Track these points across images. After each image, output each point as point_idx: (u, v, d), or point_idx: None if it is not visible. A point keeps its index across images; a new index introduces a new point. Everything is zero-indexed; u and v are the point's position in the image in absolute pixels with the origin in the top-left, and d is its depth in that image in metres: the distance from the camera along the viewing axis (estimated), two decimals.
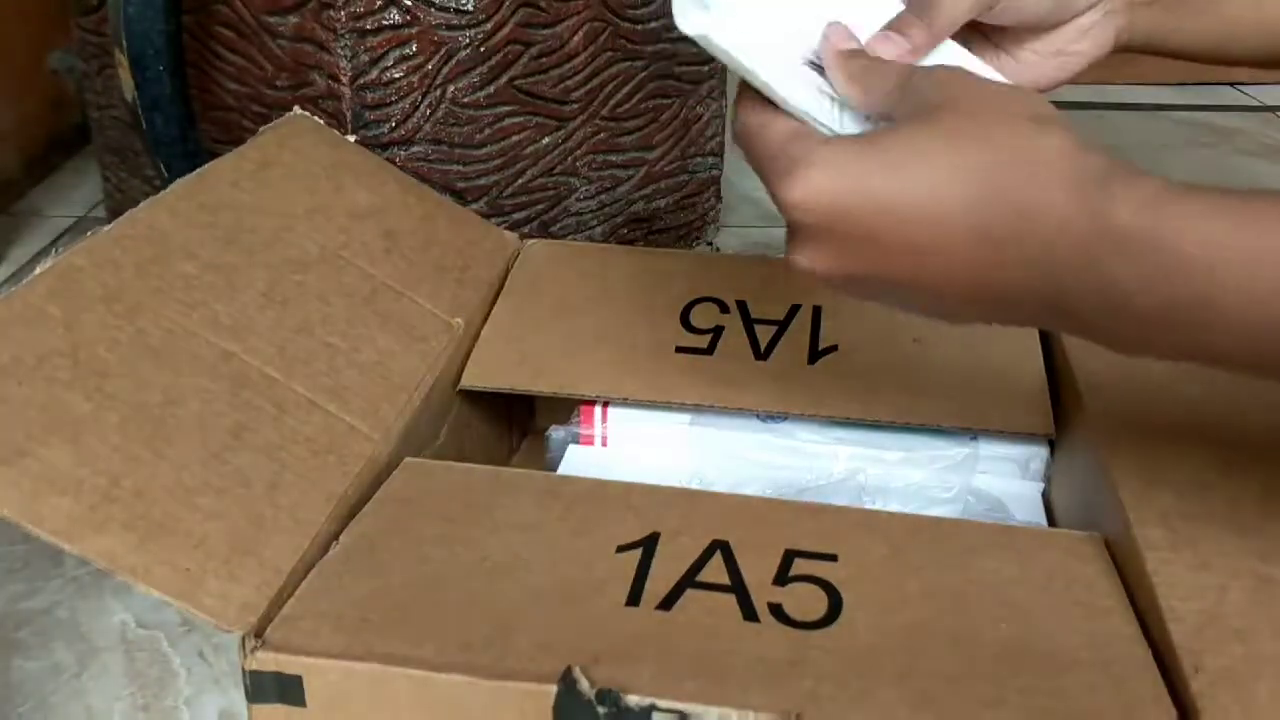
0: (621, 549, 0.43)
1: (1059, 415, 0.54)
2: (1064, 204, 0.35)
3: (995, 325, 0.39)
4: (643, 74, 0.86)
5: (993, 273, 0.36)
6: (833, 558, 0.43)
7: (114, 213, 0.49)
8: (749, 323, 0.60)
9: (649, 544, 0.43)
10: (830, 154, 0.38)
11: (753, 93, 0.42)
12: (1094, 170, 0.35)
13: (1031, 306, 0.37)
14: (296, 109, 0.62)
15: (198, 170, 0.55)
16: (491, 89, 0.77)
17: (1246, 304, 0.32)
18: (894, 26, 0.45)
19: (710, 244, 0.99)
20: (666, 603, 0.40)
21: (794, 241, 0.40)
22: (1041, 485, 0.56)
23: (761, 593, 0.41)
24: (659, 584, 0.41)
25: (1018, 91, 0.39)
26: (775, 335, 0.59)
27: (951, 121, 0.37)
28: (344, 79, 0.72)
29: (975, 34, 0.49)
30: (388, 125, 0.75)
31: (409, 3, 0.72)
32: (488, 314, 0.61)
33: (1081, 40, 0.51)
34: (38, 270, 0.45)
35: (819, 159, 0.38)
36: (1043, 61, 0.51)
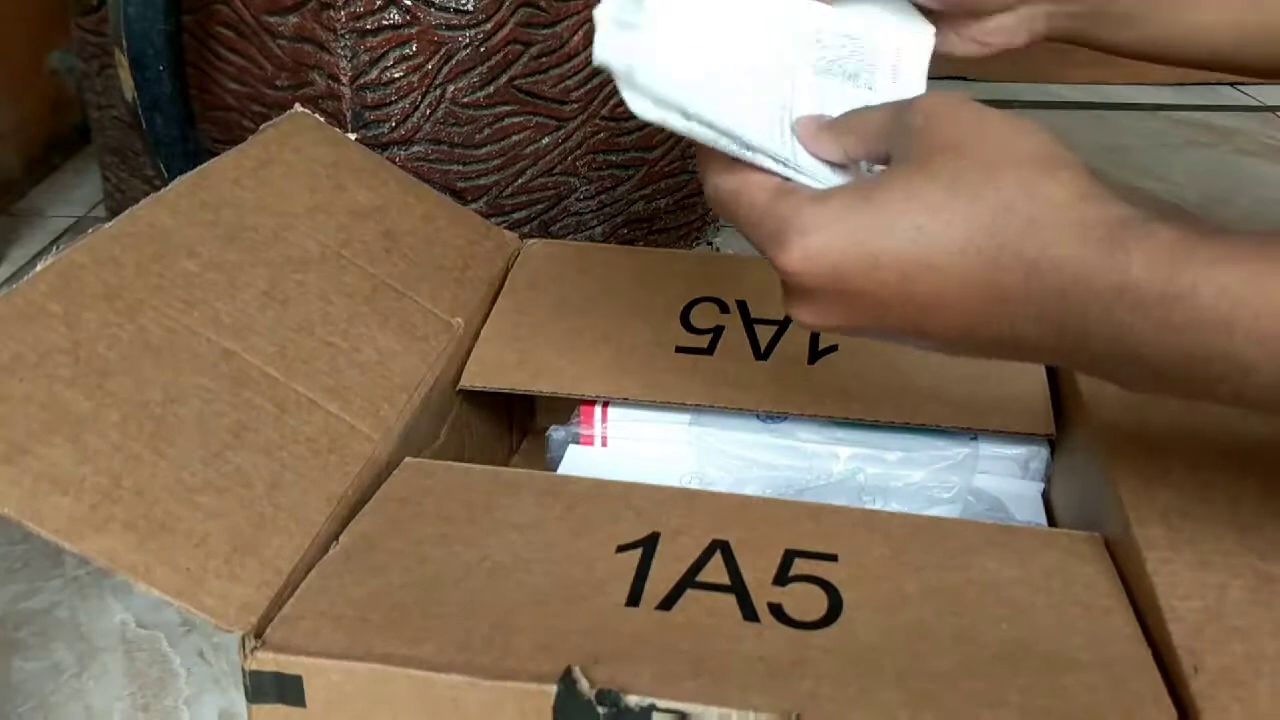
0: (621, 549, 0.43)
1: (1059, 415, 0.54)
2: (1076, 258, 0.33)
3: None
4: None
5: (1003, 326, 0.35)
6: (833, 558, 0.43)
7: (114, 213, 0.49)
8: (749, 323, 0.60)
9: (649, 544, 0.43)
10: (823, 214, 0.37)
11: (713, 151, 0.40)
12: (1105, 219, 0.34)
13: (1044, 354, 0.36)
14: (298, 106, 0.62)
15: (199, 168, 0.55)
16: (491, 89, 0.77)
17: (1266, 355, 0.31)
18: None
19: (710, 244, 0.99)
20: (666, 603, 0.40)
21: (793, 300, 0.39)
22: (1041, 485, 0.56)
23: (761, 593, 0.41)
24: (659, 584, 0.41)
25: (1018, 126, 0.37)
26: (775, 335, 0.59)
27: (951, 167, 0.36)
28: (344, 79, 0.72)
29: None
30: (388, 125, 0.75)
31: (409, 3, 0.72)
32: (488, 314, 0.61)
33: (997, 34, 0.50)
34: (38, 267, 0.45)
35: (812, 222, 0.37)
36: (958, 39, 0.49)
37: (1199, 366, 0.32)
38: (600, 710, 0.36)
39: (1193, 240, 0.32)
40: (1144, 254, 0.33)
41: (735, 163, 0.40)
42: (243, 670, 0.38)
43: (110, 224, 0.48)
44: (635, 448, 0.58)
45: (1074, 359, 0.36)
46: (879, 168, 0.40)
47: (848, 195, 0.37)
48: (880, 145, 0.39)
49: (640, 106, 0.38)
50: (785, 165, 0.40)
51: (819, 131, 0.41)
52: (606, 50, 0.38)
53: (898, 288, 0.36)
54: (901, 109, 0.38)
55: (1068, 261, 0.34)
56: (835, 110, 0.42)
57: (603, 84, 0.83)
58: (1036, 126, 0.37)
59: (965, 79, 1.28)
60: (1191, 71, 1.43)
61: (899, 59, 0.45)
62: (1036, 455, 0.56)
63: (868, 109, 0.40)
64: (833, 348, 0.58)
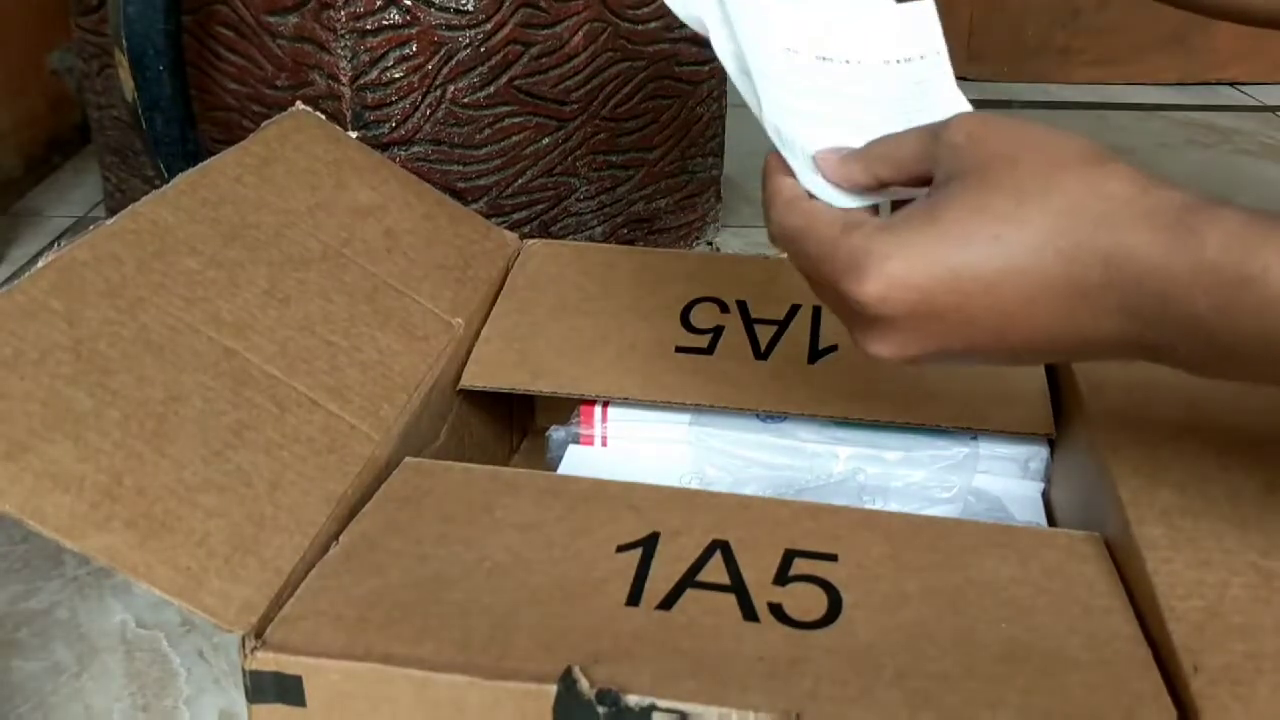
0: (621, 549, 0.43)
1: (1059, 415, 0.54)
2: (1149, 244, 0.34)
3: None
4: (643, 74, 0.86)
5: (1084, 323, 0.36)
6: (833, 558, 0.43)
7: (114, 213, 0.49)
8: (749, 323, 0.60)
9: (649, 544, 0.43)
10: (896, 241, 0.37)
11: (784, 188, 0.41)
12: (1171, 205, 0.34)
13: (1123, 348, 0.36)
14: (299, 104, 0.62)
15: (200, 165, 0.55)
16: (491, 89, 0.77)
17: None
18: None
19: (710, 244, 0.99)
20: (666, 602, 0.40)
21: (872, 333, 0.39)
22: (1041, 485, 0.56)
23: (761, 592, 0.41)
24: (659, 584, 0.41)
25: (1059, 134, 0.38)
26: (775, 335, 0.59)
27: (1009, 178, 0.36)
28: (344, 79, 0.72)
29: None
30: (388, 125, 0.75)
31: (409, 3, 0.72)
32: (488, 314, 0.61)
33: None
34: (39, 264, 0.44)
35: (887, 249, 0.37)
36: None
37: (1275, 346, 0.33)
38: (600, 710, 0.36)
39: (1261, 223, 0.33)
40: (1216, 237, 0.33)
41: (799, 199, 0.41)
42: (243, 670, 0.38)
43: (111, 221, 0.48)
44: (635, 447, 0.58)
45: (1154, 349, 0.36)
46: (907, 191, 0.41)
47: (916, 219, 0.37)
48: (919, 167, 0.39)
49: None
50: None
51: (843, 163, 0.41)
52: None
53: (982, 299, 0.36)
54: (937, 130, 0.39)
55: (1142, 249, 0.34)
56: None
57: (603, 84, 0.83)
58: (1072, 132, 0.38)
59: (966, 79, 1.28)
60: (1192, 71, 1.43)
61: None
62: (1036, 455, 0.56)
63: (895, 136, 0.41)
64: (833, 348, 0.58)
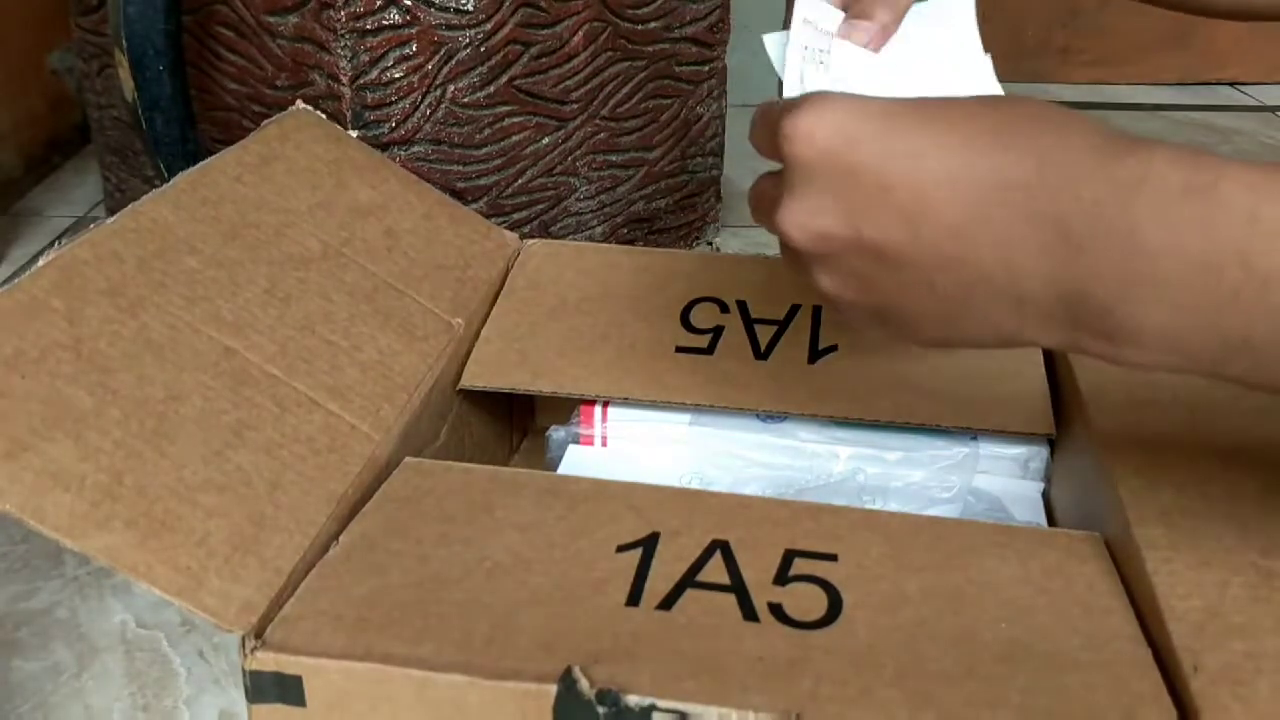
0: (621, 549, 0.43)
1: (1059, 415, 0.54)
2: (1093, 152, 0.32)
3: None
4: (643, 74, 0.86)
5: (999, 226, 0.33)
6: (833, 558, 0.43)
7: (114, 213, 0.49)
8: (749, 323, 0.60)
9: (649, 544, 0.43)
10: (848, 96, 0.37)
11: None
12: (1122, 136, 0.33)
13: (1032, 276, 0.33)
14: (299, 103, 0.62)
15: (200, 164, 0.55)
16: (491, 89, 0.77)
17: None
18: (857, 13, 0.48)
19: (710, 244, 0.99)
20: (666, 603, 0.40)
21: (789, 189, 0.37)
22: (1041, 485, 0.56)
23: (761, 592, 0.41)
24: (659, 584, 0.41)
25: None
26: (775, 335, 0.59)
27: (983, 98, 0.37)
28: (344, 79, 0.72)
29: None
30: (388, 125, 0.75)
31: (409, 3, 0.72)
32: (488, 314, 0.61)
33: None
34: (40, 262, 0.44)
35: (828, 97, 0.37)
36: None
37: (1212, 272, 0.30)
38: (600, 710, 0.36)
39: (1208, 153, 0.31)
40: (1164, 153, 0.32)
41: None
42: (243, 670, 0.38)
43: (112, 219, 0.48)
44: (635, 447, 0.58)
45: (1069, 284, 0.33)
46: None
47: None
48: None
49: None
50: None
51: None
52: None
53: (904, 164, 0.35)
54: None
55: (1087, 154, 0.32)
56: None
57: (603, 84, 0.83)
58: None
59: None
60: (1192, 71, 1.43)
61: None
62: (1036, 455, 0.56)
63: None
64: (833, 348, 0.58)
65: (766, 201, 0.40)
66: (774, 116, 0.38)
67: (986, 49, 0.51)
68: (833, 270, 0.38)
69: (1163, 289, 0.31)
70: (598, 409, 0.58)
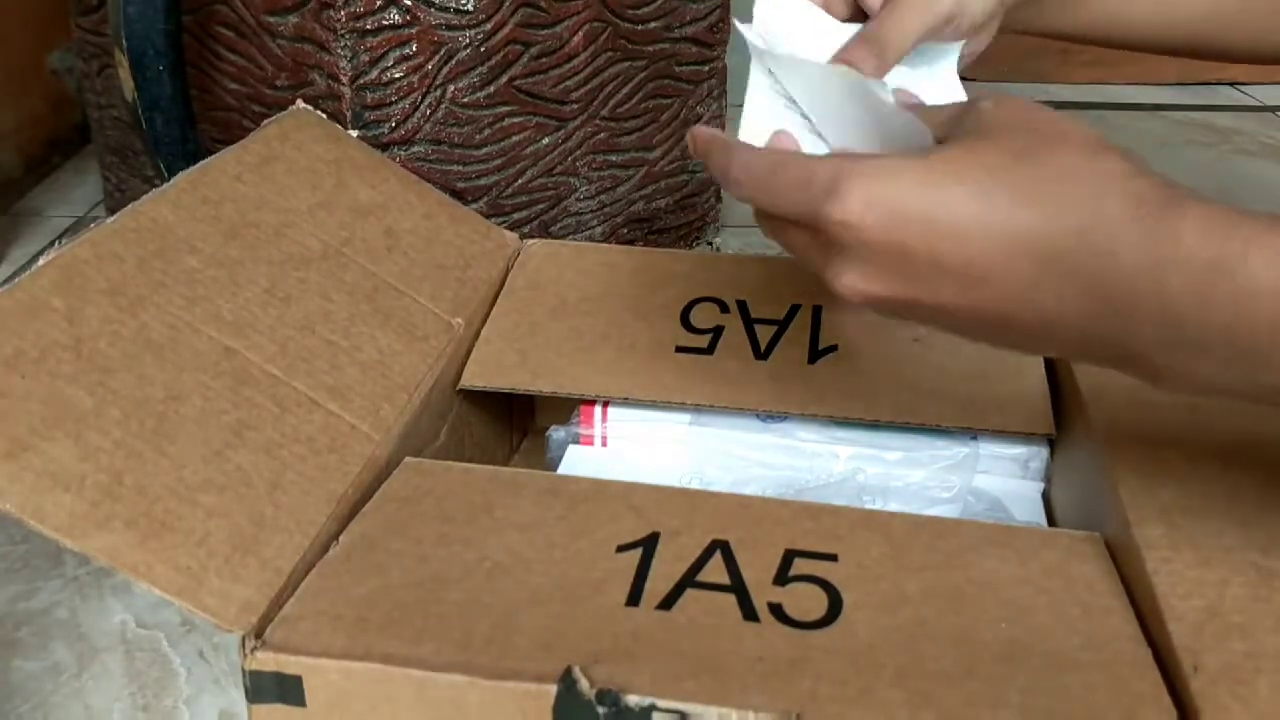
0: (621, 549, 0.43)
1: (1059, 415, 0.54)
2: (1127, 223, 0.34)
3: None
4: (643, 74, 0.86)
5: (1049, 296, 0.35)
6: (833, 558, 0.43)
7: (114, 213, 0.49)
8: (749, 323, 0.60)
9: (649, 544, 0.43)
10: (882, 168, 0.37)
11: (736, 142, 0.41)
12: (1155, 192, 0.34)
13: (1080, 333, 0.36)
14: (300, 103, 0.62)
15: (200, 164, 0.55)
16: (491, 89, 0.77)
17: None
18: (843, 56, 0.46)
19: (710, 244, 0.99)
20: (666, 603, 0.40)
21: (841, 261, 0.38)
22: (1041, 485, 0.56)
23: (761, 592, 0.41)
24: (659, 584, 0.41)
25: (1076, 121, 0.38)
26: (775, 335, 0.59)
27: (1011, 141, 0.36)
28: (344, 79, 0.72)
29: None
30: (388, 125, 0.75)
31: (409, 3, 0.72)
32: (488, 314, 0.61)
33: (975, 44, 0.52)
34: (40, 261, 0.44)
35: (871, 172, 0.36)
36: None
37: (1243, 339, 0.32)
38: (600, 710, 0.36)
39: (1242, 215, 0.33)
40: (1195, 222, 0.33)
41: (762, 149, 0.41)
42: (243, 670, 0.38)
43: (112, 219, 0.48)
44: (635, 448, 0.58)
45: (1114, 341, 0.35)
46: None
47: (908, 156, 0.37)
48: (943, 131, 0.40)
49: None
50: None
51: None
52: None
53: (954, 245, 0.36)
54: (973, 99, 0.40)
55: (1122, 226, 0.34)
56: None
57: (603, 84, 0.83)
58: (1082, 121, 0.38)
59: (966, 79, 1.28)
60: (1192, 71, 1.43)
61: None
62: (1036, 455, 0.56)
63: (941, 106, 0.42)
64: (833, 347, 0.58)
65: (803, 250, 0.40)
66: (805, 195, 0.38)
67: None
68: (878, 308, 0.39)
69: (1199, 351, 0.33)
70: (598, 409, 0.58)
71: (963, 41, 0.50)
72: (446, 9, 0.73)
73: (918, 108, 0.43)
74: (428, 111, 0.75)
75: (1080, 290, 0.35)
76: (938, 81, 0.49)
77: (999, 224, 0.35)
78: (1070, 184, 0.35)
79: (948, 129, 0.39)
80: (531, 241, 0.67)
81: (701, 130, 0.43)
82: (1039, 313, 0.36)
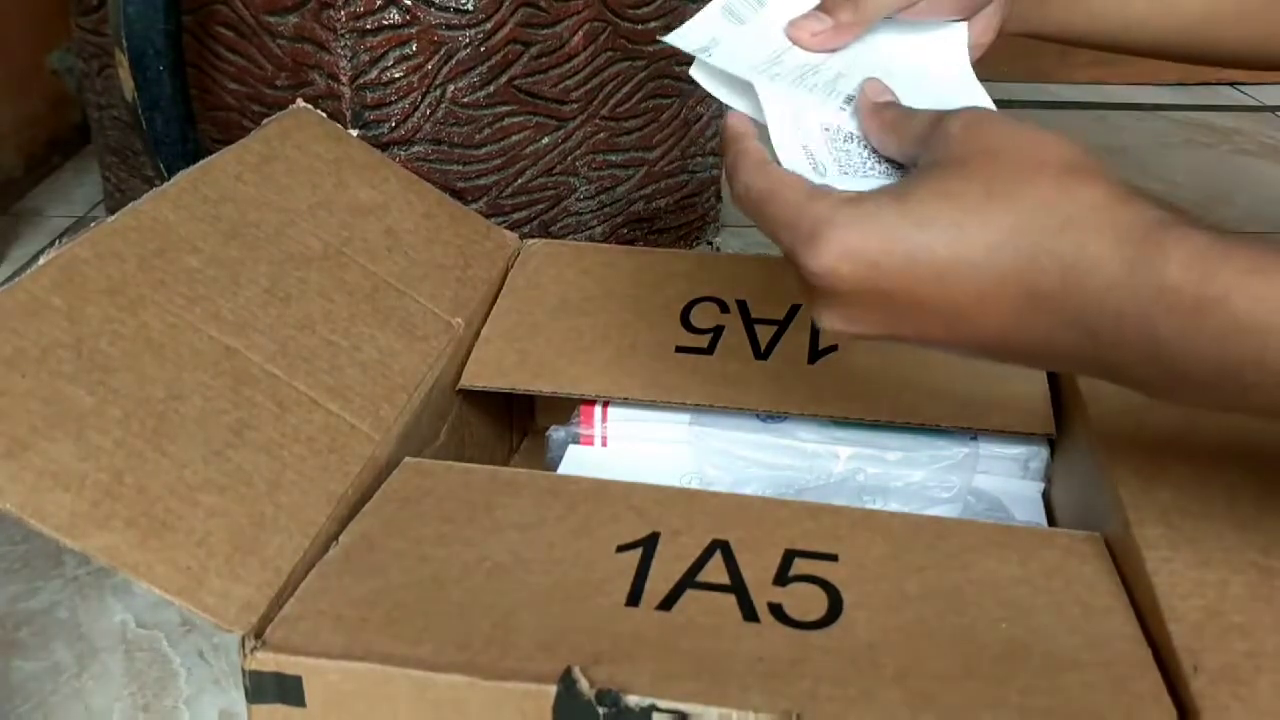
0: (621, 549, 0.43)
1: (1059, 415, 0.54)
2: (1110, 259, 0.33)
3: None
4: (643, 74, 0.86)
5: (1037, 332, 0.35)
6: (833, 558, 0.43)
7: (114, 213, 0.49)
8: (749, 323, 0.60)
9: (649, 544, 0.43)
10: (857, 214, 0.36)
11: (752, 151, 0.41)
12: (1138, 222, 0.34)
13: (1075, 361, 0.36)
14: (300, 102, 0.62)
15: (200, 163, 0.55)
16: (491, 89, 0.77)
17: None
18: (823, 6, 0.47)
19: (710, 244, 0.99)
20: (666, 603, 0.40)
21: (824, 304, 0.38)
22: (1041, 485, 0.56)
23: (761, 593, 0.41)
24: (659, 584, 0.41)
25: (1053, 136, 0.37)
26: (775, 335, 0.59)
27: (986, 170, 0.36)
28: (344, 79, 0.72)
29: None
30: (387, 125, 0.75)
31: (409, 3, 0.72)
32: (488, 314, 0.61)
33: (980, 30, 0.52)
34: (40, 261, 0.44)
35: (846, 220, 0.36)
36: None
37: (1231, 374, 0.32)
38: (600, 710, 0.36)
39: (1226, 246, 0.33)
40: (1180, 257, 0.33)
41: (768, 164, 0.41)
42: (243, 670, 0.38)
43: (112, 218, 0.48)
44: (635, 448, 0.58)
45: (1105, 367, 0.35)
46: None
47: (882, 195, 0.37)
48: (915, 149, 0.39)
49: (708, 83, 0.45)
50: (812, 161, 0.42)
51: (875, 110, 0.42)
52: (693, 31, 0.46)
53: (934, 287, 0.36)
54: (942, 116, 0.39)
55: (1105, 262, 0.34)
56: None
57: (603, 84, 0.83)
58: (1067, 136, 0.37)
59: None
60: (1192, 71, 1.43)
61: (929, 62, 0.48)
62: (1036, 455, 0.56)
63: (916, 112, 0.41)
64: (833, 348, 0.58)
65: (793, 275, 0.40)
66: (789, 236, 0.38)
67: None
68: (864, 340, 0.39)
69: (1187, 383, 0.34)
70: (598, 409, 0.58)
71: (965, 22, 0.50)
72: (446, 9, 0.73)
73: (891, 105, 0.42)
74: (428, 111, 0.75)
75: (1067, 325, 0.35)
76: (949, 66, 0.49)
77: (981, 263, 0.35)
78: (1049, 218, 0.35)
79: (916, 149, 0.39)
80: (531, 241, 0.67)
81: (733, 127, 0.43)
82: (1028, 343, 0.36)
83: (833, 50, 0.47)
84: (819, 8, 0.47)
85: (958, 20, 0.50)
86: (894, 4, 0.46)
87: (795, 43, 0.47)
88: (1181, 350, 0.33)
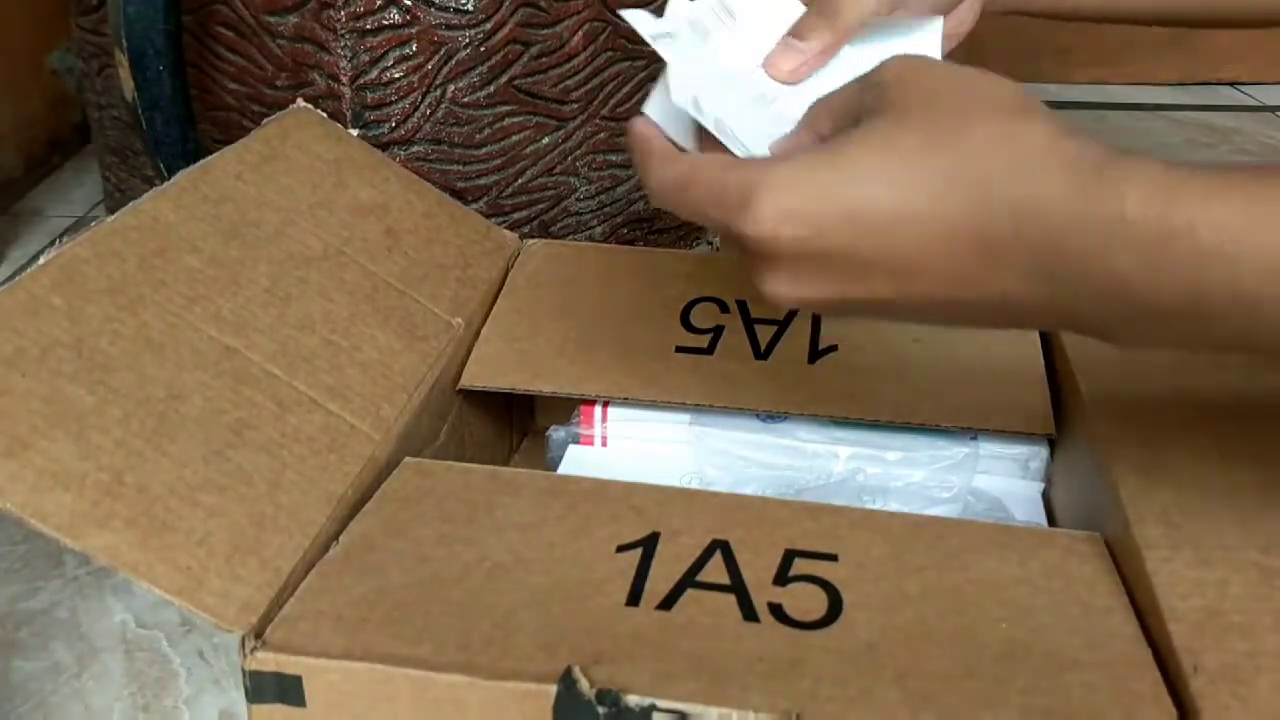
0: (621, 549, 0.43)
1: (1059, 415, 0.54)
2: (1063, 198, 0.32)
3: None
4: (643, 74, 0.86)
5: (991, 284, 0.34)
6: (833, 558, 0.43)
7: (114, 213, 0.49)
8: (749, 323, 0.60)
9: (649, 544, 0.43)
10: (790, 172, 0.35)
11: (658, 147, 0.39)
12: (1087, 158, 0.32)
13: (1031, 313, 0.34)
14: (300, 102, 0.62)
15: (200, 163, 0.55)
16: (491, 89, 0.77)
17: (1274, 288, 0.30)
18: (795, 31, 0.44)
19: (710, 244, 0.99)
20: (666, 603, 0.40)
21: (767, 270, 0.36)
22: (1041, 485, 0.56)
23: (761, 593, 0.41)
24: (659, 584, 0.41)
25: (988, 78, 0.36)
26: (775, 335, 0.59)
27: (924, 117, 0.34)
28: (344, 79, 0.72)
29: None
30: (388, 125, 0.75)
31: (409, 3, 0.72)
32: (488, 314, 0.61)
33: (957, 24, 0.50)
34: (41, 260, 0.44)
35: (779, 179, 0.35)
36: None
37: (1202, 304, 0.31)
38: (600, 710, 0.36)
39: (1181, 175, 0.31)
40: (1135, 190, 0.31)
41: (677, 154, 0.39)
42: (243, 670, 0.38)
43: (112, 218, 0.48)
44: (635, 447, 0.58)
45: (1064, 314, 0.34)
46: None
47: (816, 152, 0.35)
48: (850, 114, 0.37)
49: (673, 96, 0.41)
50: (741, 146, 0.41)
51: (810, 112, 0.40)
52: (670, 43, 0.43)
53: (878, 242, 0.34)
54: (869, 73, 0.37)
55: (1059, 203, 0.32)
56: None
57: (603, 84, 0.83)
58: (1004, 78, 0.36)
59: None
60: (1192, 71, 1.43)
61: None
62: (1036, 455, 0.56)
63: (841, 89, 0.39)
64: (833, 347, 0.58)
65: (735, 252, 0.38)
66: (719, 211, 0.36)
67: (983, 47, 0.50)
68: (812, 310, 0.38)
69: (1152, 316, 0.32)
70: (598, 409, 0.58)
71: (941, 18, 0.48)
72: (446, 9, 0.73)
73: (816, 104, 0.41)
74: (428, 111, 0.75)
75: (1024, 274, 0.33)
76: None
77: (927, 214, 0.33)
78: (995, 161, 0.33)
79: (851, 109, 0.37)
80: (531, 241, 0.67)
81: (636, 129, 0.41)
82: (981, 297, 0.34)
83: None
84: (791, 32, 0.44)
85: (934, 17, 0.48)
86: (872, 10, 0.44)
87: (776, 80, 0.45)
88: (1145, 283, 0.31)
